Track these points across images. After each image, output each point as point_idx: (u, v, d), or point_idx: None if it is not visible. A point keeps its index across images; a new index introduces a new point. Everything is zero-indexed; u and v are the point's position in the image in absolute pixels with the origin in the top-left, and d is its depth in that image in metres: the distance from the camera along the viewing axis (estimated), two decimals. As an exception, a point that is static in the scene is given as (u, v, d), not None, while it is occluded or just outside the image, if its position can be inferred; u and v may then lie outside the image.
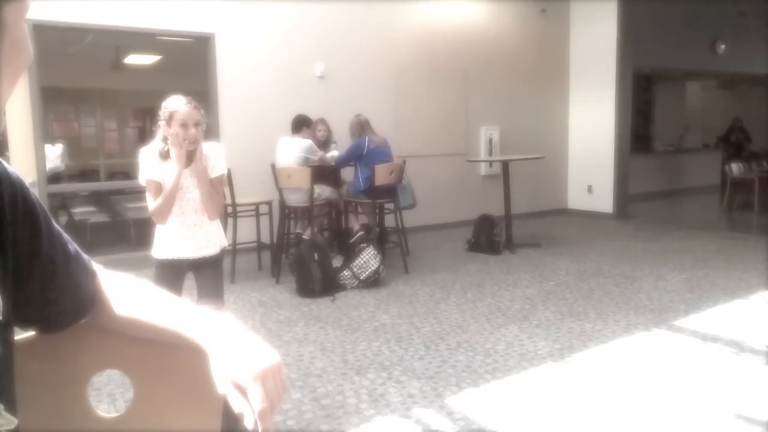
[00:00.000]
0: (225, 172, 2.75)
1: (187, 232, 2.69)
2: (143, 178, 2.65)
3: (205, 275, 2.76)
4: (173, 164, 2.59)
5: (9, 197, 0.72)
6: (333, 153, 6.04)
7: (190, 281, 2.84)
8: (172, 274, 2.74)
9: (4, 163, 0.74)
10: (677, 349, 3.48)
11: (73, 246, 0.84)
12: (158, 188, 2.62)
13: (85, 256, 0.87)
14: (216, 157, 2.70)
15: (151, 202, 2.63)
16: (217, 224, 2.82)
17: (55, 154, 7.64)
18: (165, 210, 2.62)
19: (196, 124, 2.57)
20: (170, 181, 2.59)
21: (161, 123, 2.59)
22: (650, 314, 4.10)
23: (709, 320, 3.95)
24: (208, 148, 2.69)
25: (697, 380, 3.04)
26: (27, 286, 0.75)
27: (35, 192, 0.77)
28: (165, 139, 2.61)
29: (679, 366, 3.23)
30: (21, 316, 0.74)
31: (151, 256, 2.79)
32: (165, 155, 2.62)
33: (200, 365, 0.77)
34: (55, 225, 0.81)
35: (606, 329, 3.83)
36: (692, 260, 5.70)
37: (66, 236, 0.83)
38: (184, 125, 2.53)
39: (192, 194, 2.67)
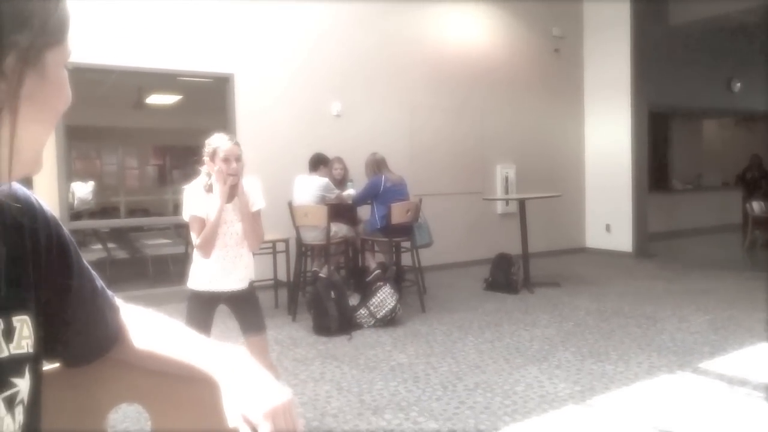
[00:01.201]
0: (263, 206, 2.86)
1: (227, 265, 2.76)
2: (187, 214, 2.74)
3: (246, 308, 2.84)
4: (216, 199, 2.69)
5: (45, 236, 0.75)
6: (350, 191, 6.07)
7: (220, 314, 2.83)
8: (207, 305, 2.80)
9: (41, 201, 0.77)
10: (703, 392, 3.38)
11: (99, 282, 0.86)
12: (201, 224, 2.71)
13: (110, 292, 0.89)
14: (255, 191, 2.83)
15: (195, 238, 2.72)
16: (252, 260, 2.90)
17: (86, 191, 7.80)
18: (209, 244, 2.70)
19: (238, 159, 2.70)
20: (213, 215, 2.68)
21: (205, 159, 2.72)
22: (674, 356, 4.00)
23: (736, 363, 3.84)
24: (247, 182, 2.80)
25: (725, 425, 2.94)
26: (56, 320, 0.77)
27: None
28: (209, 175, 2.73)
29: (705, 410, 3.14)
30: (48, 349, 0.76)
31: (187, 287, 2.83)
32: (209, 189, 2.73)
33: (213, 398, 0.78)
34: (84, 261, 0.83)
35: (628, 371, 3.73)
36: (716, 301, 5.58)
37: (93, 272, 0.85)
38: (226, 160, 2.66)
39: (234, 227, 2.76)
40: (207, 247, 2.70)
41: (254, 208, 2.81)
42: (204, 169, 2.76)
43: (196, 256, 2.78)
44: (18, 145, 0.58)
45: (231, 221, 2.75)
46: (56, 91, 0.62)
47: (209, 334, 2.72)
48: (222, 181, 2.67)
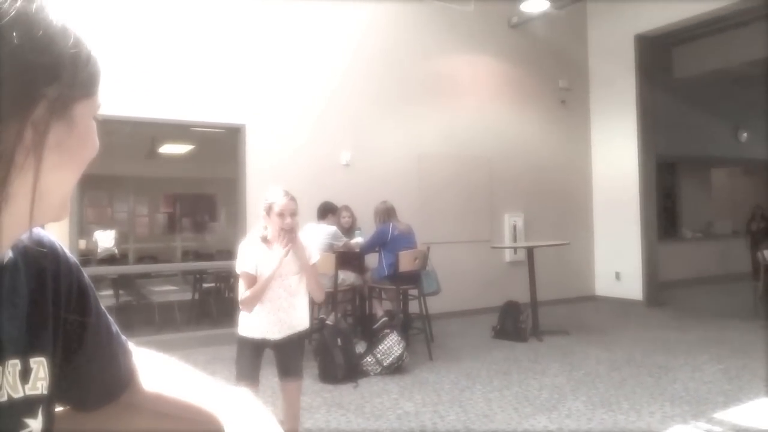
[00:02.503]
0: (318, 259, 2.94)
1: (282, 316, 2.79)
2: (239, 269, 2.78)
3: (289, 353, 2.87)
4: (271, 255, 2.74)
5: (66, 282, 0.76)
6: (358, 239, 6.10)
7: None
8: (256, 351, 2.85)
9: (64, 248, 0.79)
10: (718, 443, 3.30)
11: (115, 327, 0.87)
12: (251, 281, 2.75)
13: (123, 337, 0.90)
14: (310, 246, 2.90)
15: (242, 292, 2.76)
16: (305, 307, 2.96)
17: (108, 238, 7.97)
18: (255, 300, 2.74)
19: (293, 215, 2.76)
20: (269, 270, 2.72)
21: (262, 213, 2.80)
22: (687, 406, 3.92)
23: (751, 413, 3.75)
24: (302, 236, 2.87)
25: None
26: (71, 363, 0.78)
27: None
28: (265, 227, 2.80)
29: (720, 462, 3.05)
30: (61, 392, 0.76)
31: (238, 333, 2.88)
32: (265, 240, 2.79)
33: None
34: (102, 307, 0.85)
35: (640, 421, 3.65)
36: (729, 350, 5.48)
37: (109, 317, 0.87)
38: (281, 215, 2.73)
39: (288, 281, 2.80)
40: (251, 304, 2.74)
41: (311, 262, 2.87)
42: (260, 223, 2.83)
43: None
44: (45, 192, 0.60)
45: (285, 274, 2.78)
46: (84, 141, 0.64)
47: (258, 378, 2.85)
48: (283, 242, 2.73)
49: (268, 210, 2.76)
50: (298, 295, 2.86)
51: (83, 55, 0.61)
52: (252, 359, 2.82)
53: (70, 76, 0.59)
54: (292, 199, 2.79)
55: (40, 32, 0.56)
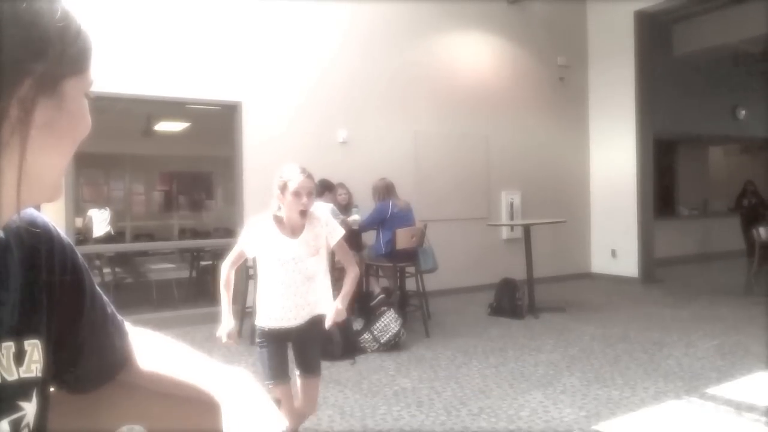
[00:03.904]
0: (343, 232, 2.71)
1: (298, 300, 2.57)
2: (240, 245, 2.60)
3: (308, 345, 2.70)
4: (284, 237, 2.55)
5: (59, 262, 0.75)
6: (354, 217, 6.10)
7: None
8: (277, 345, 2.63)
9: (58, 229, 0.78)
10: (710, 418, 3.34)
11: (110, 307, 0.86)
12: (239, 259, 2.62)
13: (120, 317, 0.89)
14: (329, 221, 2.70)
15: (227, 263, 2.62)
16: (327, 288, 2.72)
17: (102, 218, 7.88)
18: (224, 285, 2.61)
19: (309, 194, 2.54)
20: (275, 255, 2.54)
21: (275, 192, 2.56)
22: (680, 381, 3.96)
23: (743, 389, 3.80)
24: (318, 212, 2.68)
25: (733, 451, 2.90)
26: (66, 345, 0.77)
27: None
28: (279, 208, 2.57)
29: (712, 436, 3.10)
30: (56, 375, 0.76)
31: (255, 324, 2.67)
32: (279, 221, 2.57)
33: (214, 421, 0.78)
34: (97, 288, 0.84)
35: (634, 396, 3.70)
36: (723, 326, 5.54)
37: (105, 298, 0.86)
38: (297, 195, 2.50)
39: (303, 264, 2.56)
40: (222, 279, 2.61)
41: (334, 241, 2.66)
42: (274, 203, 2.59)
43: (261, 291, 2.63)
44: (36, 172, 0.58)
45: (300, 257, 2.55)
46: (75, 119, 0.62)
47: (287, 373, 2.65)
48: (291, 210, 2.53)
49: (283, 188, 2.51)
50: (317, 278, 2.61)
51: (72, 30, 0.59)
52: (276, 355, 2.60)
53: (57, 52, 0.57)
54: (310, 176, 2.56)
55: (24, 4, 0.54)
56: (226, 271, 2.61)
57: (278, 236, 2.55)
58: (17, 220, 0.68)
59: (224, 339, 2.57)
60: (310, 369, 2.71)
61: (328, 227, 2.65)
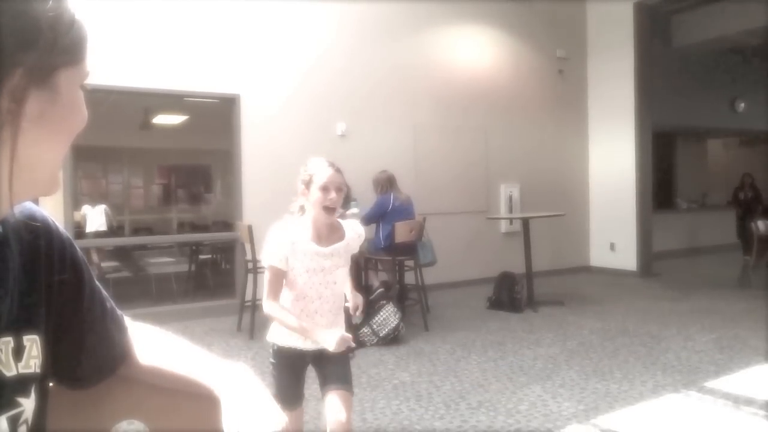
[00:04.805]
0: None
1: (320, 320, 2.19)
2: (265, 260, 2.17)
3: (334, 360, 2.20)
4: (311, 243, 2.17)
5: (58, 257, 0.75)
6: (353, 210, 6.08)
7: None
8: (293, 368, 2.27)
9: (57, 224, 0.77)
10: (708, 411, 3.35)
11: (109, 302, 0.86)
12: (279, 278, 2.16)
13: (119, 312, 0.88)
14: (362, 234, 2.41)
15: (267, 294, 2.15)
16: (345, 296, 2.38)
17: (97, 214, 7.78)
18: (277, 320, 2.18)
19: (339, 189, 2.20)
20: (305, 268, 2.15)
21: (300, 187, 2.25)
22: (679, 375, 3.97)
23: (742, 382, 3.80)
24: (354, 224, 2.39)
25: (731, 445, 2.91)
26: (65, 340, 0.77)
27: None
28: (301, 208, 2.27)
29: (710, 430, 3.10)
30: (55, 370, 0.75)
31: (268, 341, 2.32)
32: (305, 225, 2.23)
33: (214, 415, 0.78)
34: (96, 282, 0.83)
35: (633, 390, 3.70)
36: (721, 320, 5.55)
37: (104, 292, 0.85)
38: (325, 190, 2.16)
39: (332, 276, 2.20)
40: (275, 316, 2.16)
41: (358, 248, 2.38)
42: (297, 202, 2.29)
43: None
44: (31, 165, 0.57)
45: (329, 268, 2.18)
46: (70, 111, 0.61)
47: (301, 397, 2.30)
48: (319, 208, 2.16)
49: (308, 183, 2.20)
50: (342, 290, 2.28)
51: (64, 20, 0.57)
52: (287, 377, 2.25)
53: (49, 42, 0.55)
54: (338, 170, 2.23)
55: None
56: (270, 307, 2.15)
57: (303, 242, 2.17)
58: (16, 215, 0.67)
59: (344, 345, 2.09)
60: (338, 379, 2.20)
61: (360, 239, 2.35)
